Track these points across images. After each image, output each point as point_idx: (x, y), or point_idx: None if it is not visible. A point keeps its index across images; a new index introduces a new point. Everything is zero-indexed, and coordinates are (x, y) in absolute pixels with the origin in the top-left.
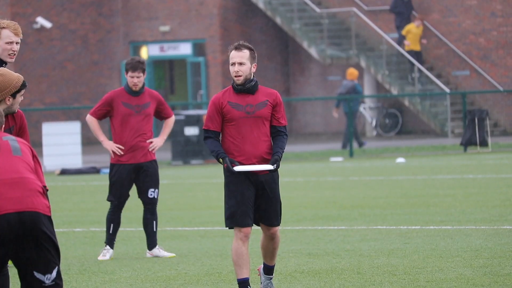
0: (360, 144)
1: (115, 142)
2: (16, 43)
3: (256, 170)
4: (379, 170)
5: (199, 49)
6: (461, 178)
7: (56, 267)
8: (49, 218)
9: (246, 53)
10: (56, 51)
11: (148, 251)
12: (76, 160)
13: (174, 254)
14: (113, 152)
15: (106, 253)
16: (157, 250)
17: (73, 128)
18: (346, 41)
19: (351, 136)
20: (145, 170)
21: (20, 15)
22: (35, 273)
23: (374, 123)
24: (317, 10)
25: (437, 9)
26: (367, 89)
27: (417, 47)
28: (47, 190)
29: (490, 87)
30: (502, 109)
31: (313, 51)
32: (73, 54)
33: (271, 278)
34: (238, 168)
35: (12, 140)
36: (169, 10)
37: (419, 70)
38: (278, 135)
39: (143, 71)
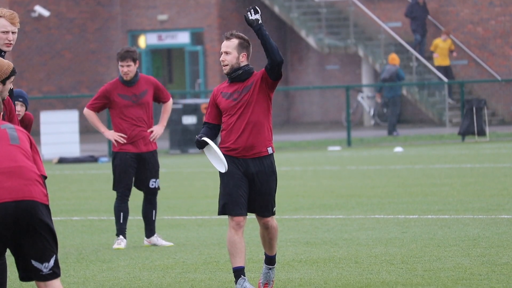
0: (390, 132)
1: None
2: (12, 32)
3: (213, 147)
4: (377, 159)
5: (197, 38)
6: (458, 167)
7: (54, 256)
8: (46, 207)
9: (234, 42)
10: (54, 40)
11: (146, 239)
12: (74, 149)
13: (172, 243)
14: (116, 140)
15: (121, 242)
16: (155, 239)
17: (71, 117)
18: (344, 30)
19: (349, 124)
20: (146, 160)
21: (18, 4)
22: (33, 262)
23: (372, 112)
24: None
25: None
26: (365, 79)
27: (445, 62)
28: (45, 178)
29: (488, 76)
30: (500, 98)
31: (311, 40)
32: (71, 42)
33: (271, 268)
34: (206, 139)
35: (10, 128)
36: None
37: (417, 60)
38: None
39: (133, 60)
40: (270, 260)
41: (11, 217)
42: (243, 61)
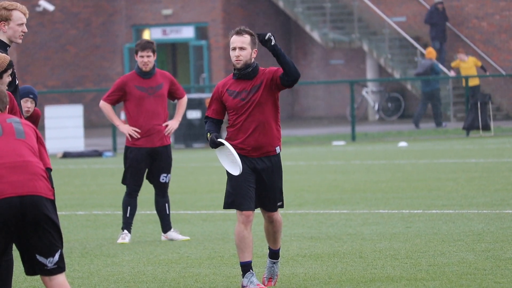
0: (439, 124)
1: (131, 125)
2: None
3: (230, 149)
4: (381, 154)
5: (201, 32)
6: (463, 162)
7: (59, 251)
8: (52, 202)
9: (247, 38)
10: (58, 34)
11: (163, 234)
12: (78, 143)
13: (188, 237)
14: (130, 135)
15: (125, 237)
16: (173, 233)
17: (76, 111)
18: (348, 24)
19: (354, 119)
20: (160, 155)
21: None
22: (38, 256)
23: (376, 107)
24: None
25: None
26: (370, 73)
27: (475, 81)
28: (50, 170)
29: (493, 71)
30: (504, 93)
31: (315, 35)
32: (76, 37)
33: (275, 262)
34: (222, 140)
35: (16, 122)
36: None
37: (422, 54)
38: None
39: (153, 51)
40: (274, 254)
41: (15, 212)
42: (254, 58)
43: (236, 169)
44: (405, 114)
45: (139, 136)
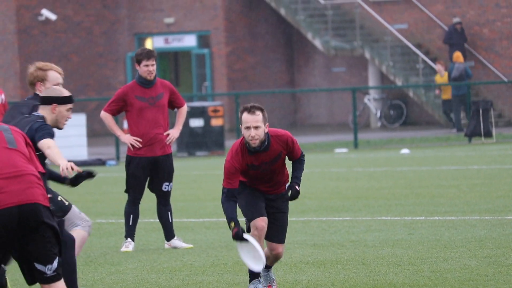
0: (459, 129)
1: (132, 135)
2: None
3: (255, 246)
4: (383, 161)
5: (203, 41)
6: (465, 169)
7: (57, 258)
8: (48, 209)
9: (259, 116)
10: (61, 43)
11: (166, 242)
12: (81, 152)
13: (192, 245)
14: (132, 145)
15: (129, 245)
16: (176, 241)
17: (79, 120)
18: (350, 32)
19: (356, 126)
20: (161, 163)
21: (25, 7)
22: (36, 265)
23: (378, 114)
24: (322, 1)
25: (441, 0)
26: (372, 81)
27: (446, 95)
28: (44, 174)
29: (495, 78)
30: (506, 100)
31: (317, 43)
32: (78, 46)
33: (268, 271)
34: (248, 237)
35: (5, 131)
36: (174, 1)
37: (423, 61)
38: (295, 163)
39: (156, 60)
40: (266, 266)
41: (15, 221)
42: (266, 132)
43: (258, 264)
44: (407, 121)
45: (140, 146)
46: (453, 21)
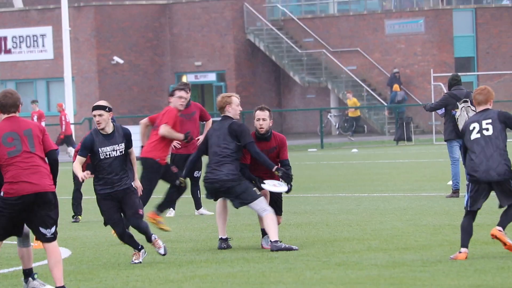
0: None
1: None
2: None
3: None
4: (340, 157)
5: (221, 77)
6: (394, 162)
7: (55, 225)
8: (53, 193)
9: (266, 112)
10: (126, 79)
11: (196, 210)
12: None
13: (213, 213)
14: (174, 146)
15: (171, 212)
16: (203, 210)
17: (138, 130)
18: (319, 71)
19: (322, 134)
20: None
21: (102, 55)
22: (40, 228)
23: (337, 125)
24: (299, 51)
25: (378, 50)
26: (333, 103)
27: (356, 113)
28: (56, 150)
29: (413, 102)
30: (421, 116)
31: (296, 78)
32: (137, 81)
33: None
34: (265, 185)
35: (28, 135)
36: (201, 51)
37: (367, 91)
38: (283, 166)
39: (189, 90)
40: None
41: (31, 203)
42: (270, 125)
43: (282, 187)
44: (356, 130)
45: (180, 147)
46: (393, 71)
